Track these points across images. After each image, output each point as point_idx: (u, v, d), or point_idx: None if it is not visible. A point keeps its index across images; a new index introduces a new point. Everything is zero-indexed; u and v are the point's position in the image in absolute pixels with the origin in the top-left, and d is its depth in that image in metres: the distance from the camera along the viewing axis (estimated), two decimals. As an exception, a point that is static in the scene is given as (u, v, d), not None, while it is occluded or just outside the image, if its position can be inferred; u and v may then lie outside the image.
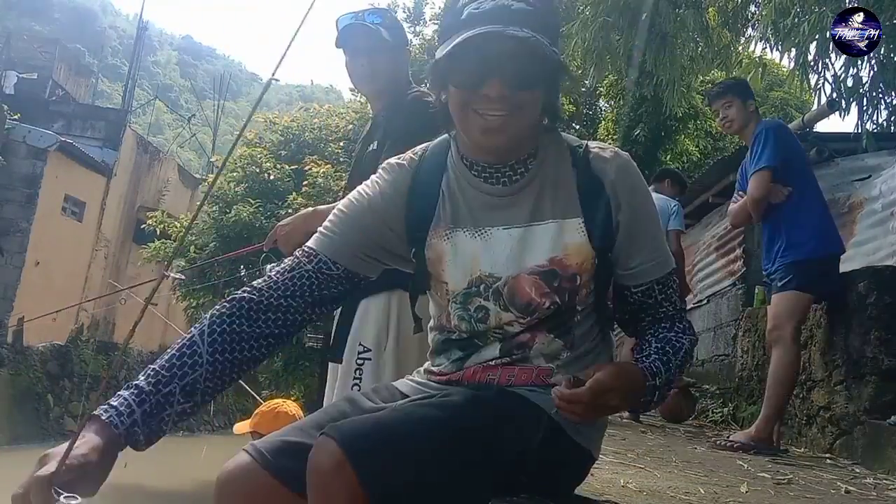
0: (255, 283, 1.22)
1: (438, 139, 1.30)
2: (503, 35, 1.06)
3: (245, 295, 1.19)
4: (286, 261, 1.24)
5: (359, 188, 1.28)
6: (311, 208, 2.22)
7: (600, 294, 1.23)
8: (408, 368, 1.85)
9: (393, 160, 1.29)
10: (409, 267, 1.28)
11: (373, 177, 1.28)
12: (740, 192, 3.40)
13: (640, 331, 1.28)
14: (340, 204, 1.28)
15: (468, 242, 1.21)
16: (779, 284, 3.14)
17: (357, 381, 1.94)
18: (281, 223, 2.16)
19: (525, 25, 1.07)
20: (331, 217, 1.26)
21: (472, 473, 1.07)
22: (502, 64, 1.09)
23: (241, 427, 3.38)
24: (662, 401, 1.21)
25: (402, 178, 1.25)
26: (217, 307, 1.19)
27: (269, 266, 2.28)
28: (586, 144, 1.25)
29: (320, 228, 1.26)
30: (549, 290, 1.18)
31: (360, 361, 1.95)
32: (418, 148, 1.30)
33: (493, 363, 1.21)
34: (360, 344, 1.95)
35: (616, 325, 1.34)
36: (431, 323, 1.33)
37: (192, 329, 1.17)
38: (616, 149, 1.26)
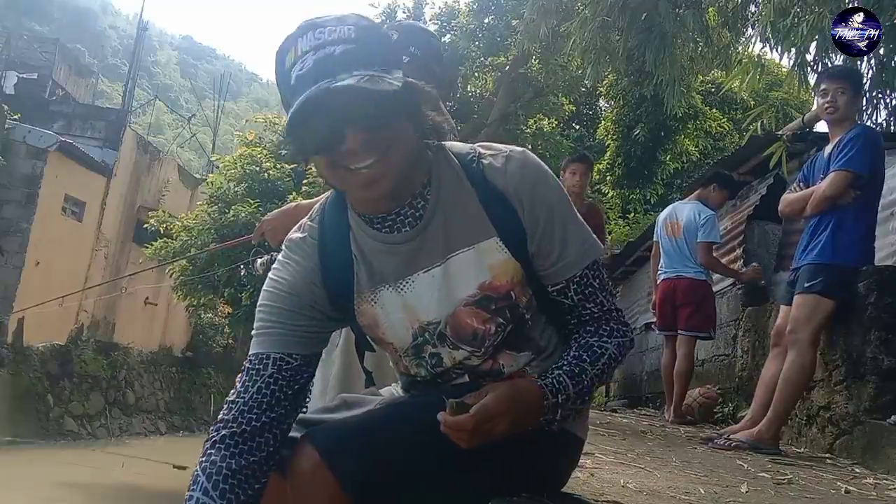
0: (221, 415, 1.12)
1: (332, 197, 1.23)
2: (334, 90, 0.99)
3: (223, 432, 1.10)
4: (239, 380, 1.15)
5: (271, 274, 1.21)
6: (293, 203, 2.23)
7: (543, 294, 1.20)
8: (355, 367, 1.87)
9: (294, 235, 1.22)
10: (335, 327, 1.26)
11: (280, 257, 1.22)
12: (801, 184, 3.28)
13: (568, 335, 1.22)
14: (262, 296, 1.20)
15: (395, 299, 1.18)
16: (805, 285, 3.07)
17: None
18: (267, 217, 2.17)
19: (354, 67, 1.01)
20: (260, 314, 1.18)
21: (450, 467, 1.10)
22: (348, 115, 1.02)
23: None
24: (571, 416, 1.16)
25: (309, 254, 1.19)
26: (202, 459, 1.09)
27: (258, 261, 2.28)
28: (478, 154, 1.18)
29: (256, 329, 1.18)
30: (490, 315, 1.17)
31: None
32: (314, 211, 1.24)
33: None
34: None
35: None
36: (393, 367, 1.33)
37: (192, 492, 1.07)
38: (508, 151, 1.18)
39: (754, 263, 4.48)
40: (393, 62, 1.09)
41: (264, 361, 1.14)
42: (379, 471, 1.05)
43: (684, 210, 4.87)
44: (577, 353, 1.16)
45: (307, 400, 1.45)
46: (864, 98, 3.34)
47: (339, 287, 1.19)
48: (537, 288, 1.19)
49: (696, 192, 5.12)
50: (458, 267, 1.15)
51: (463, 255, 1.15)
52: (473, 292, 1.15)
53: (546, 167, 1.19)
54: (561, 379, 1.12)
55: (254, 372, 1.13)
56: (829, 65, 3.98)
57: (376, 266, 1.18)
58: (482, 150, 1.19)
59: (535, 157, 1.20)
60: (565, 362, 1.15)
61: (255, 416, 1.10)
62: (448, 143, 1.20)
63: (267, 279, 1.21)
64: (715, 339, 5.35)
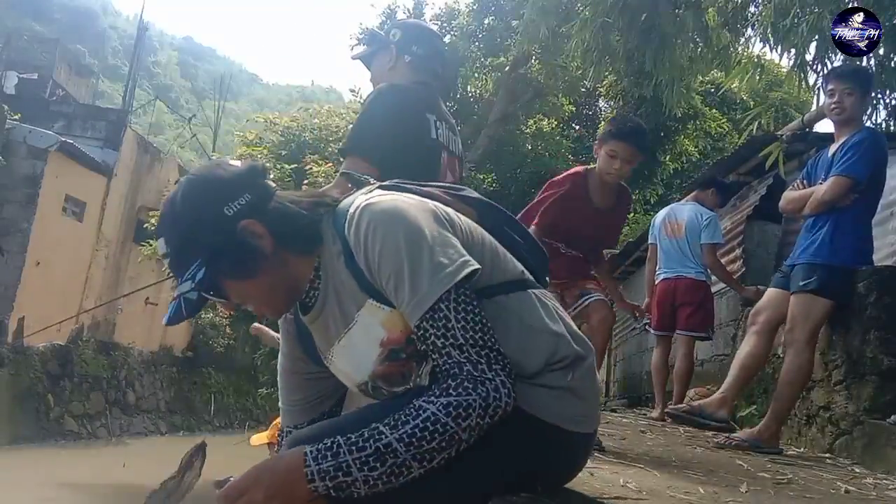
0: None
1: None
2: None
3: None
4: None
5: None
6: None
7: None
8: None
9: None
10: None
11: (281, 333, 1.43)
12: (804, 181, 3.28)
13: None
14: (279, 376, 1.45)
15: (333, 368, 1.33)
16: (800, 283, 3.06)
17: None
18: None
19: (179, 270, 1.20)
20: (280, 393, 1.44)
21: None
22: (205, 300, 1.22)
23: (259, 439, 3.38)
24: (359, 485, 1.05)
25: (289, 330, 1.40)
26: None
27: None
28: (347, 227, 1.20)
29: (280, 405, 1.44)
30: (404, 363, 1.21)
31: None
32: None
33: None
34: None
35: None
36: None
37: None
38: (353, 207, 1.19)
39: (760, 286, 4.45)
40: (214, 231, 1.18)
41: (287, 432, 1.39)
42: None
43: (684, 211, 4.88)
44: (389, 414, 1.10)
45: None
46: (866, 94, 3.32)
47: (313, 352, 1.35)
48: None
49: (693, 194, 5.13)
50: (357, 336, 1.23)
51: (355, 326, 1.23)
52: (379, 351, 1.22)
53: (385, 211, 1.16)
54: (335, 444, 1.06)
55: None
56: (830, 65, 3.98)
57: (316, 340, 1.33)
58: (350, 213, 1.20)
59: (380, 204, 1.17)
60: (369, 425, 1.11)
61: None
62: (340, 208, 1.24)
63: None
64: (713, 339, 5.35)
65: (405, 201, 1.19)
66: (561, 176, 3.03)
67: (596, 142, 3.02)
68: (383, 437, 1.05)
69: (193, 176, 1.26)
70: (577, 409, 1.24)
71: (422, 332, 1.12)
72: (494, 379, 1.08)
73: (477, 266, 1.14)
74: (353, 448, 1.05)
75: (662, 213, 5.11)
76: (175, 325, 1.28)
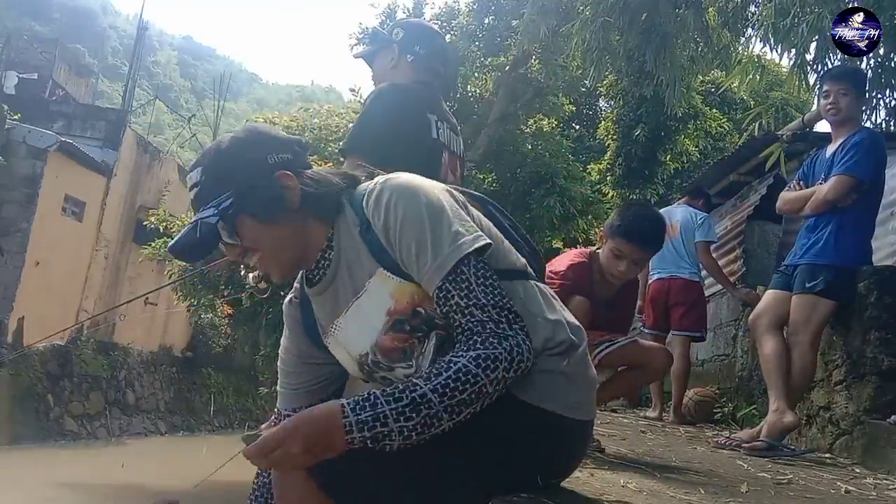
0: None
1: None
2: (185, 235, 1.25)
3: (263, 480, 1.43)
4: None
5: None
6: None
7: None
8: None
9: (288, 297, 1.46)
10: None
11: (285, 318, 1.47)
12: (800, 182, 3.28)
13: None
14: (279, 361, 1.47)
15: (335, 342, 1.35)
16: (807, 285, 3.05)
17: None
18: None
19: (201, 203, 1.25)
20: (279, 377, 1.47)
21: (427, 469, 1.14)
22: (217, 238, 1.25)
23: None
24: (395, 436, 1.07)
25: (293, 312, 1.44)
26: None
27: (250, 275, 2.29)
28: (366, 200, 1.26)
29: (278, 388, 1.47)
30: (407, 334, 1.24)
31: None
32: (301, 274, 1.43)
33: None
34: None
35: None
36: None
37: None
38: (374, 183, 1.27)
39: (755, 291, 4.46)
40: (233, 186, 1.24)
41: (285, 415, 1.40)
42: (355, 470, 1.11)
43: (677, 212, 4.96)
44: (426, 370, 1.15)
45: None
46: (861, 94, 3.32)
47: (315, 336, 1.39)
48: None
49: (683, 199, 5.29)
50: (365, 304, 1.27)
51: (365, 294, 1.27)
52: (385, 320, 1.25)
53: (407, 185, 1.23)
54: (371, 395, 1.09)
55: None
56: (830, 65, 3.97)
57: (318, 317, 1.37)
58: (370, 191, 1.27)
59: (400, 179, 1.25)
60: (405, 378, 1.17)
61: None
62: (359, 188, 1.31)
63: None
64: (706, 339, 5.36)
65: (423, 179, 1.27)
66: (563, 266, 2.61)
67: (602, 228, 2.74)
68: (418, 388, 1.09)
69: (250, 126, 1.37)
70: (573, 395, 1.26)
71: (444, 293, 1.16)
72: (516, 336, 1.14)
73: (490, 241, 1.21)
74: (391, 399, 1.08)
75: None
76: (180, 256, 1.32)
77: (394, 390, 1.09)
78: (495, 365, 1.11)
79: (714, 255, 6.95)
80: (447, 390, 1.08)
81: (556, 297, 1.34)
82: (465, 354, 1.11)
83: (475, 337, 1.13)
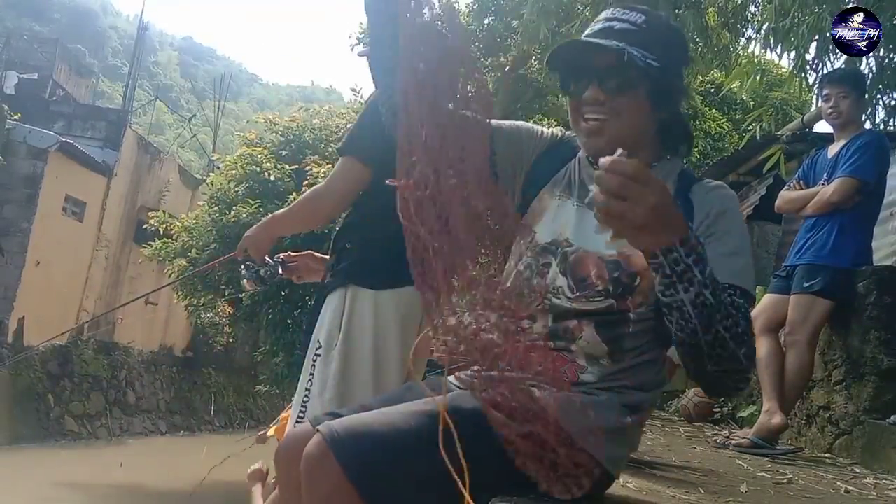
0: None
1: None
2: (593, 45, 1.20)
3: None
4: None
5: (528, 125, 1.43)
6: (269, 215, 2.29)
7: (658, 313, 1.17)
8: (354, 366, 1.89)
9: (556, 129, 1.43)
10: (512, 197, 1.36)
11: (539, 126, 1.44)
12: (800, 181, 3.28)
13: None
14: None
15: (568, 210, 1.30)
16: (804, 285, 3.06)
17: (310, 378, 1.97)
18: (247, 234, 2.22)
19: (624, 40, 1.18)
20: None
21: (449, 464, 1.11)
22: (597, 72, 1.21)
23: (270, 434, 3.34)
24: (680, 293, 1.03)
25: (553, 134, 1.40)
26: None
27: (244, 280, 2.30)
28: (698, 178, 1.29)
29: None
30: (607, 277, 1.21)
31: (314, 358, 1.98)
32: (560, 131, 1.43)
33: (538, 340, 1.22)
34: (316, 340, 1.99)
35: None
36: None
37: None
38: (723, 184, 1.29)
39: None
40: (665, 54, 1.21)
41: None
42: (382, 461, 1.11)
43: None
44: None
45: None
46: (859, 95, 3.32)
47: (544, 167, 1.35)
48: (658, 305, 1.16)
49: None
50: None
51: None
52: (613, 252, 1.21)
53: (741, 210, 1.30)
54: (697, 257, 1.02)
55: None
56: (830, 65, 3.98)
57: (577, 183, 1.32)
58: (705, 181, 1.29)
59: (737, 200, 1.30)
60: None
61: None
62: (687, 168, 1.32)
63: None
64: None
65: None
66: None
67: None
68: (719, 298, 1.06)
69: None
70: (618, 450, 1.26)
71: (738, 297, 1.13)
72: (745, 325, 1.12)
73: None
74: (708, 278, 1.04)
75: None
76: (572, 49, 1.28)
77: (713, 276, 1.05)
78: (735, 311, 1.10)
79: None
80: (726, 317, 1.06)
81: None
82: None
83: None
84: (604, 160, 0.95)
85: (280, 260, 2.31)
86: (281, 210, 2.34)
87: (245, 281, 2.29)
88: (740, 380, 1.14)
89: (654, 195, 0.94)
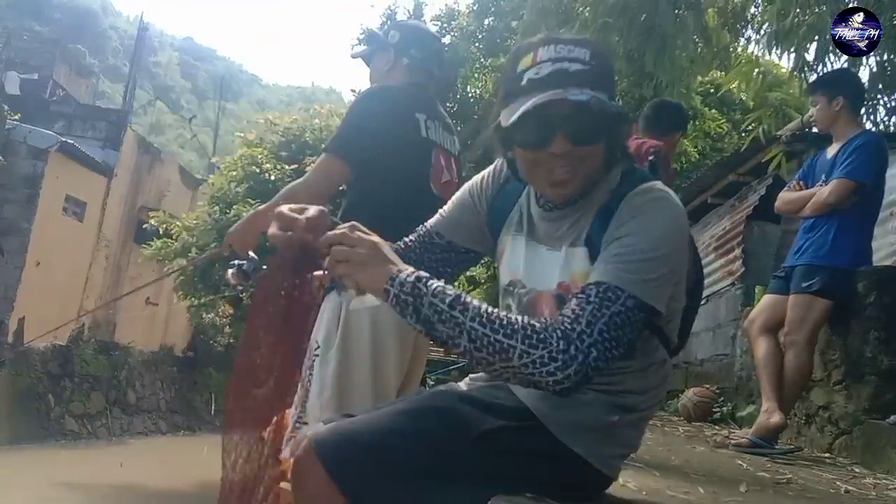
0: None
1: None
2: (565, 100, 1.13)
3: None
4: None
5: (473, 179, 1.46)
6: (253, 211, 2.31)
7: None
8: (352, 367, 1.90)
9: (497, 163, 1.43)
10: (490, 252, 1.44)
11: (484, 171, 1.45)
12: (800, 182, 3.30)
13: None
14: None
15: (520, 247, 1.32)
16: (802, 285, 3.07)
17: (308, 378, 1.97)
18: (231, 229, 2.24)
19: (583, 85, 1.15)
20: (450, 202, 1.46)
21: (427, 457, 1.16)
22: (566, 124, 1.15)
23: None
24: (413, 321, 1.08)
25: (498, 173, 1.41)
26: None
27: (229, 272, 2.31)
28: (644, 182, 1.24)
29: (440, 212, 1.44)
30: (559, 311, 1.19)
31: (312, 358, 1.98)
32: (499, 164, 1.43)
33: None
34: (314, 341, 1.99)
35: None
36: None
37: None
38: (658, 192, 1.22)
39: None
40: (610, 87, 1.22)
41: (426, 231, 1.42)
42: (362, 459, 1.14)
43: None
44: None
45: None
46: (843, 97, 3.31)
47: (500, 211, 1.38)
48: None
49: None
50: (549, 259, 1.27)
51: (554, 252, 1.27)
52: (555, 286, 1.25)
53: (672, 211, 1.19)
54: (423, 283, 1.08)
55: (421, 234, 1.43)
56: (830, 66, 3.98)
57: (528, 217, 1.34)
58: (649, 186, 1.23)
59: (680, 216, 1.21)
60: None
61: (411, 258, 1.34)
62: (640, 175, 1.28)
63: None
64: (714, 339, 5.36)
65: (686, 230, 1.24)
66: None
67: None
68: (466, 314, 1.07)
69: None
70: (609, 449, 1.27)
71: (587, 291, 1.12)
72: (579, 356, 1.06)
73: (661, 311, 1.17)
74: (434, 292, 1.08)
75: None
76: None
77: (445, 296, 1.07)
78: (538, 344, 1.06)
79: (713, 255, 6.96)
80: (487, 319, 1.07)
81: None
82: (527, 320, 1.08)
83: (556, 322, 1.09)
84: (332, 237, 1.11)
85: (264, 265, 2.32)
86: (262, 205, 2.34)
87: (230, 275, 2.32)
88: (528, 377, 1.08)
89: (356, 256, 1.09)
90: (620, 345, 1.10)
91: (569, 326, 1.08)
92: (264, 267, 2.26)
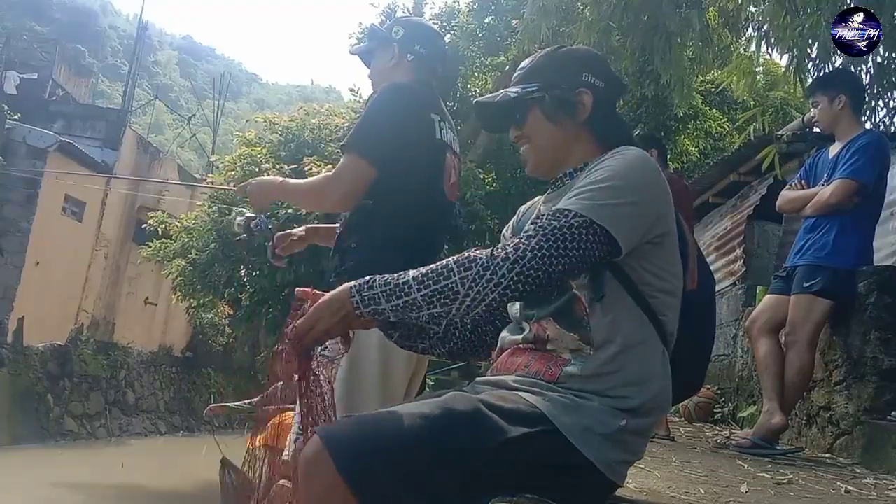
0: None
1: None
2: (491, 103, 1.44)
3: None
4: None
5: None
6: (283, 179, 2.31)
7: (614, 288, 1.24)
8: (360, 368, 1.87)
9: None
10: None
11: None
12: (802, 181, 3.28)
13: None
14: None
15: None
16: (804, 285, 3.05)
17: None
18: (257, 180, 2.29)
19: (513, 85, 1.42)
20: None
21: (448, 465, 1.14)
22: (505, 115, 1.44)
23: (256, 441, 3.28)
24: (388, 313, 1.18)
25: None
26: None
27: (237, 219, 2.38)
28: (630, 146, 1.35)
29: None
30: None
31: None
32: None
33: (521, 346, 1.33)
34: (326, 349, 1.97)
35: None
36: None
37: None
38: (633, 150, 1.32)
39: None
40: (555, 78, 1.40)
41: None
42: (374, 457, 1.11)
43: None
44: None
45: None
46: (845, 96, 3.31)
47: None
48: (609, 278, 1.24)
49: None
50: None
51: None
52: None
53: (637, 153, 1.29)
54: (371, 279, 1.20)
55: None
56: (830, 66, 3.97)
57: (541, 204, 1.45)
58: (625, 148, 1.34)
59: (647, 159, 1.30)
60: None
61: None
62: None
63: None
64: (714, 339, 5.35)
65: (656, 173, 1.29)
66: None
67: None
68: (405, 274, 1.19)
69: (588, 49, 1.61)
70: (612, 454, 1.25)
71: (539, 218, 1.23)
72: (515, 253, 1.15)
73: (620, 240, 1.20)
74: (383, 282, 1.19)
75: None
76: (480, 111, 1.49)
77: (390, 277, 1.19)
78: (470, 265, 1.16)
79: (714, 255, 6.96)
80: (425, 279, 1.17)
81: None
82: (483, 251, 1.18)
83: (513, 241, 1.19)
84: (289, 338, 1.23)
85: (270, 227, 2.35)
86: (294, 181, 2.29)
87: (237, 222, 2.38)
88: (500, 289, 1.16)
89: (321, 323, 1.20)
90: (562, 256, 1.16)
91: (508, 244, 1.18)
92: (269, 227, 2.34)
